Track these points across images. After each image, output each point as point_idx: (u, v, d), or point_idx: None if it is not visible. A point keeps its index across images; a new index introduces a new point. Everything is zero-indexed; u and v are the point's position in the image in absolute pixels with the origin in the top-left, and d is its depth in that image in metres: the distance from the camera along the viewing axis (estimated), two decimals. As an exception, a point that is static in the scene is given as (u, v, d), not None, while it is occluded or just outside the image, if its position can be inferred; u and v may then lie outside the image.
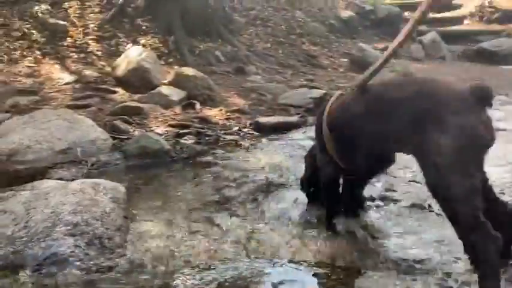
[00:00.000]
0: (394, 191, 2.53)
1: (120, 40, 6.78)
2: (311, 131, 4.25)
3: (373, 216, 2.18)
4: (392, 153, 1.97)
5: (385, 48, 9.27)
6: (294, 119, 4.53)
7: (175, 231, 2.16)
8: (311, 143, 3.89)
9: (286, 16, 9.59)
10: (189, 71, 5.12)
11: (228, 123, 4.40)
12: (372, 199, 2.35)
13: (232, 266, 1.80)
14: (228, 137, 4.03)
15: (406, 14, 11.90)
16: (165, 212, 2.38)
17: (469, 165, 1.54)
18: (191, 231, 2.17)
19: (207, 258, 1.93)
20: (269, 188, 2.68)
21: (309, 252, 1.94)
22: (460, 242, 1.54)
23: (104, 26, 6.96)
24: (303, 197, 2.45)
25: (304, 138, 4.02)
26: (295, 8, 10.03)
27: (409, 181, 2.71)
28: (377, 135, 1.77)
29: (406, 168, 2.90)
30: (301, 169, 2.53)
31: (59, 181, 2.54)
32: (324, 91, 5.17)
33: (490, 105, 1.61)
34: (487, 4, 12.83)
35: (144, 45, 6.67)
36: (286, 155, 3.41)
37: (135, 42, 6.71)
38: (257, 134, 4.21)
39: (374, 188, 2.51)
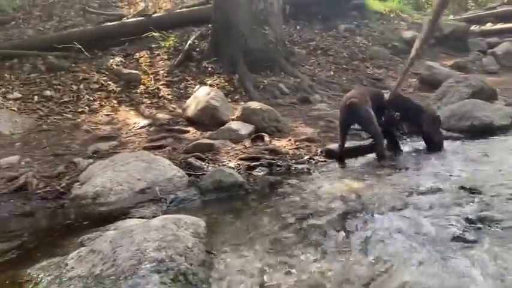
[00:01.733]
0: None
1: (188, 83, 7.07)
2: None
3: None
4: None
5: (454, 65, 8.83)
6: (366, 143, 4.36)
7: (259, 265, 2.08)
8: (387, 165, 3.75)
9: (347, 43, 9.51)
10: (255, 104, 5.16)
11: (298, 153, 4.32)
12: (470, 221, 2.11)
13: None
14: (300, 166, 3.95)
15: (473, 27, 11.38)
16: (248, 245, 2.32)
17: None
18: (275, 266, 2.08)
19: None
20: (351, 216, 2.53)
21: None
22: None
23: (172, 71, 7.33)
24: (389, 220, 2.28)
25: (376, 163, 3.85)
26: (355, 34, 9.94)
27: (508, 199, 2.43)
28: None
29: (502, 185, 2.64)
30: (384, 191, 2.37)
31: (141, 219, 2.60)
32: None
33: None
34: None
35: (211, 85, 6.91)
36: (364, 180, 3.25)
37: (202, 83, 6.97)
38: (329, 160, 4.09)
39: (469, 209, 2.27)
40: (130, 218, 2.78)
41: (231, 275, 1.98)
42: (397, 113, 3.99)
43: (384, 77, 8.23)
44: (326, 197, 2.94)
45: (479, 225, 2.07)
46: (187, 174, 3.79)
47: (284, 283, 1.92)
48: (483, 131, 4.35)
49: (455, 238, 1.95)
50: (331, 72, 8.15)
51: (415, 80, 7.90)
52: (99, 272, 1.84)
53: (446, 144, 4.17)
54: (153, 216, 2.84)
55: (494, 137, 4.21)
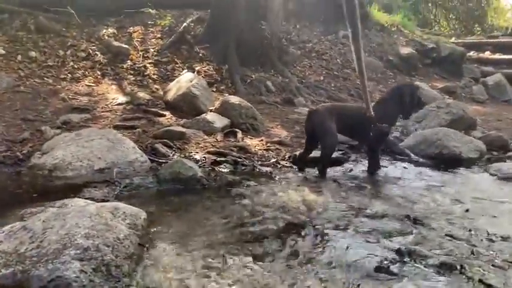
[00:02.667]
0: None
1: (177, 65, 7.03)
2: (352, 169, 4.15)
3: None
4: None
5: (444, 88, 8.87)
6: (335, 154, 4.38)
7: (188, 265, 2.11)
8: (348, 181, 3.79)
9: (343, 50, 9.50)
10: (234, 99, 5.17)
11: (267, 154, 4.34)
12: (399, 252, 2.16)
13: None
14: (264, 169, 3.97)
15: (471, 53, 11.44)
16: (185, 242, 2.34)
17: None
18: (204, 267, 2.11)
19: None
20: (292, 227, 2.57)
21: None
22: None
23: (163, 51, 7.27)
24: (326, 238, 2.33)
25: (341, 176, 3.89)
26: (353, 42, 9.92)
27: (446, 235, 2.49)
28: None
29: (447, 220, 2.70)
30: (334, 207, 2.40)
31: (87, 201, 2.61)
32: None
33: None
34: None
35: (198, 72, 6.89)
36: (320, 192, 3.29)
37: (190, 68, 6.94)
38: (295, 167, 4.11)
39: (404, 240, 2.33)
40: (79, 197, 2.79)
41: (158, 272, 2.01)
42: (384, 125, 3.85)
43: (372, 90, 8.23)
44: (277, 205, 2.96)
45: (406, 258, 2.11)
46: (150, 160, 3.80)
47: (207, 286, 1.95)
48: (450, 161, 4.40)
49: (378, 269, 1.99)
50: (322, 77, 8.15)
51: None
52: (23, 250, 1.85)
53: (412, 168, 4.24)
54: (103, 200, 2.87)
55: (460, 169, 4.26)
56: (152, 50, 7.23)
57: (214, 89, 6.55)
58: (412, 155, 4.60)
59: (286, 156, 4.33)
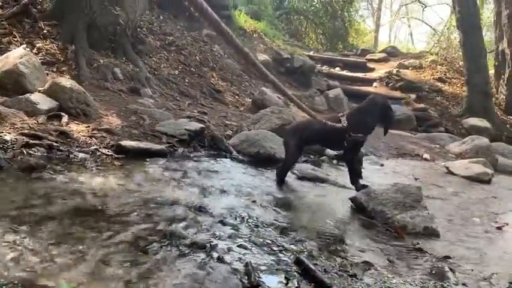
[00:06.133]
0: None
1: (15, 40, 6.51)
2: (172, 162, 4.36)
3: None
4: None
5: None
6: (160, 147, 4.54)
7: None
8: (167, 173, 3.99)
9: (204, 48, 9.80)
10: (66, 82, 5.00)
11: (89, 141, 4.30)
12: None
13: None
14: (81, 155, 3.94)
15: (318, 66, 12.72)
16: None
17: None
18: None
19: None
20: (78, 212, 2.64)
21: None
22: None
23: (0, 21, 6.66)
24: (105, 221, 2.45)
25: (159, 168, 4.05)
26: (215, 42, 10.29)
27: (219, 221, 2.81)
28: None
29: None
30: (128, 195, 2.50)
31: None
32: (202, 125, 5.28)
33: None
34: (394, 72, 14.07)
35: (39, 49, 6.47)
36: (124, 184, 3.39)
37: (30, 44, 6.48)
38: (115, 156, 4.16)
39: (175, 225, 2.57)
40: None
41: None
42: (360, 135, 3.85)
43: (225, 90, 8.68)
44: (72, 190, 3.00)
45: (164, 240, 2.36)
46: None
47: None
48: (266, 159, 4.90)
49: (135, 247, 2.20)
50: (176, 72, 8.30)
51: (250, 100, 8.51)
52: None
53: (230, 164, 4.63)
54: None
55: (273, 166, 4.76)
56: (-13, 18, 6.56)
57: (55, 69, 6.25)
58: (234, 152, 5.00)
59: (109, 144, 4.35)
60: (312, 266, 2.18)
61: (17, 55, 5.15)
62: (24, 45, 6.28)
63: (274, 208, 3.37)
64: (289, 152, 4.21)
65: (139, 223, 2.57)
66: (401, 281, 2.30)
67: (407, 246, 3.01)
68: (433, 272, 2.56)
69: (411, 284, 2.31)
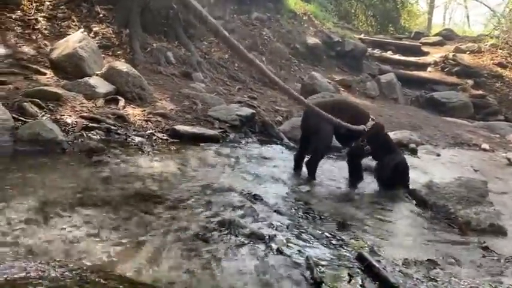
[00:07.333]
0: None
1: (73, 23, 6.69)
2: (225, 148, 4.36)
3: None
4: None
5: (341, 81, 9.46)
6: (213, 132, 4.56)
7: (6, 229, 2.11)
8: (220, 158, 3.99)
9: (253, 32, 9.68)
10: (122, 65, 5.09)
11: (145, 125, 4.38)
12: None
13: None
14: (137, 139, 4.02)
15: (369, 50, 12.28)
16: (8, 205, 2.31)
17: None
18: (26, 229, 2.13)
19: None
20: (136, 199, 2.67)
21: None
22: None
23: (60, 5, 6.87)
24: (163, 208, 2.48)
25: (213, 154, 4.07)
26: (264, 26, 10.14)
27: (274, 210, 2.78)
28: None
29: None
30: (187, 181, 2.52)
31: None
32: (253, 111, 5.24)
33: None
34: (450, 56, 13.35)
35: (96, 33, 6.63)
36: (180, 168, 3.42)
37: (88, 28, 6.65)
38: (170, 141, 4.21)
39: (233, 212, 2.56)
40: None
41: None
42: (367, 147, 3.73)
43: (274, 74, 8.55)
44: (133, 175, 3.05)
45: (223, 228, 2.35)
46: (14, 118, 3.65)
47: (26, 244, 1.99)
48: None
49: (196, 236, 2.20)
50: (226, 56, 8.26)
51: (299, 85, 8.36)
52: None
53: (281, 150, 4.57)
54: None
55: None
56: (48, 3, 6.78)
57: (110, 53, 6.38)
58: (285, 138, 4.93)
59: (164, 128, 4.41)
60: (375, 263, 2.09)
61: (76, 39, 5.30)
62: (82, 29, 6.46)
63: (329, 199, 3.30)
64: (323, 136, 3.68)
65: (197, 210, 2.57)
66: (471, 284, 2.16)
67: (473, 244, 2.85)
68: (504, 273, 2.40)
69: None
